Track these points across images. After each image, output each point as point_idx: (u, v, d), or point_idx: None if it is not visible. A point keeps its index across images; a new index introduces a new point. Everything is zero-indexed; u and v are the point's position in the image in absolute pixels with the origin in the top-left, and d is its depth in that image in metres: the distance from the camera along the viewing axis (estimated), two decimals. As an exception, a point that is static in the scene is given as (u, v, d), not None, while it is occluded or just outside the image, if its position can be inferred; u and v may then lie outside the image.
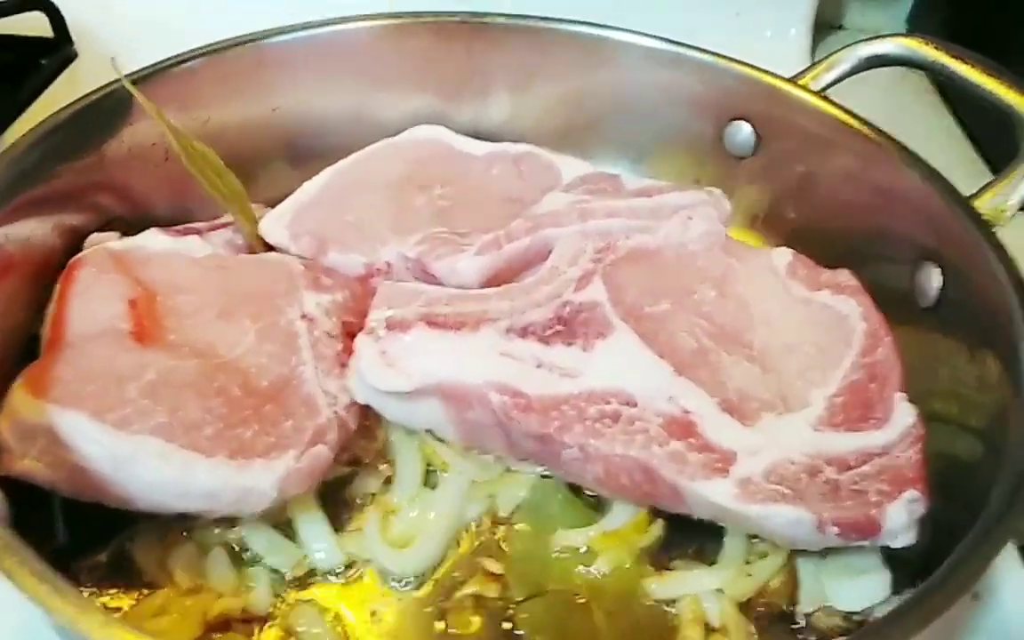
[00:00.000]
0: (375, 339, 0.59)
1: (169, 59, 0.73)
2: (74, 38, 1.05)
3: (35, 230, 0.63)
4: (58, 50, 1.04)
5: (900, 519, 0.51)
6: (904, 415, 0.57)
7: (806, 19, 1.14)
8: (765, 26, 1.12)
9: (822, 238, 0.74)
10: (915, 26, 1.22)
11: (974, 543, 0.45)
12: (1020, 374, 0.53)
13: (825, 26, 1.20)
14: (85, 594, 0.42)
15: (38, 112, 0.92)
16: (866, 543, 0.52)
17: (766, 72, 0.78)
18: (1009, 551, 0.61)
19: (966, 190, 0.66)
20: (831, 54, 0.78)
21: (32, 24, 1.04)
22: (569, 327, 0.62)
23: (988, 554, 0.44)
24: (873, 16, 1.25)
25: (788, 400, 0.60)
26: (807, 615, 0.55)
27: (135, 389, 0.54)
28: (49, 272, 0.63)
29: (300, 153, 0.82)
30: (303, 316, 0.62)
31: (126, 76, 0.68)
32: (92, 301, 0.59)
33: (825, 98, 0.75)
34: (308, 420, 0.56)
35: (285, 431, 0.55)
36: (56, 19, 1.04)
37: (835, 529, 0.51)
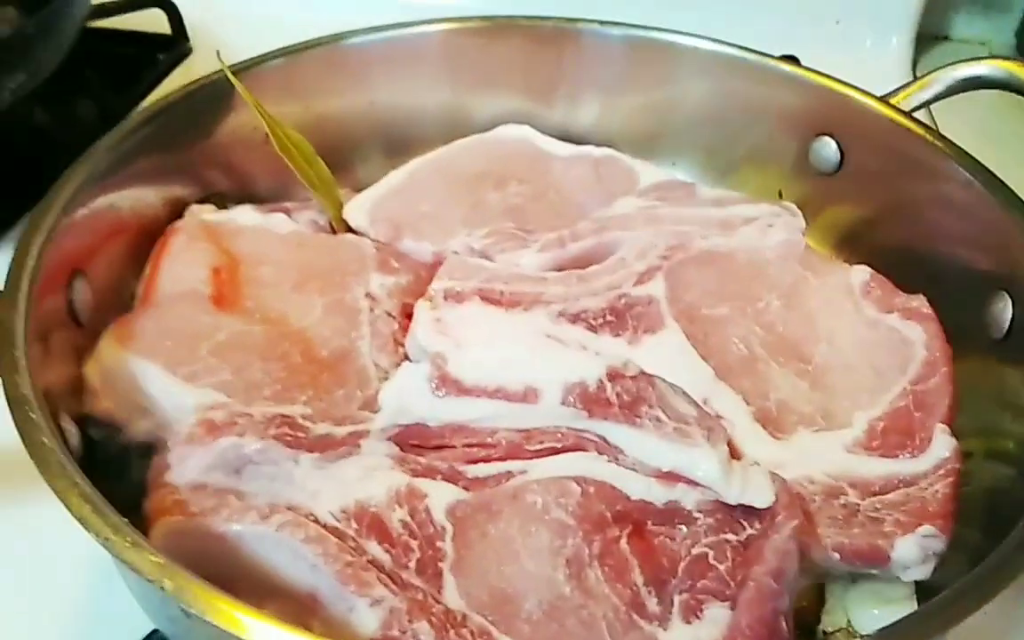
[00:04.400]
0: (432, 306, 0.62)
1: (273, 52, 0.78)
2: (190, 35, 1.12)
3: (142, 198, 0.70)
4: (175, 46, 1.10)
5: (911, 553, 0.51)
6: (941, 448, 0.55)
7: (908, 29, 1.10)
8: (865, 35, 1.09)
9: (901, 260, 0.72)
10: (1024, 37, 1.15)
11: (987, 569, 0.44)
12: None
13: (929, 36, 1.15)
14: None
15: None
16: (876, 572, 0.52)
17: (855, 88, 0.76)
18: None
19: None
20: (927, 74, 0.76)
21: (151, 22, 1.11)
22: (621, 319, 0.63)
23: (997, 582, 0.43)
24: (980, 26, 1.19)
25: (830, 418, 0.59)
26: (827, 633, 0.54)
27: (206, 348, 0.59)
28: (152, 237, 0.69)
29: (394, 145, 0.86)
30: (367, 295, 0.66)
31: (234, 65, 0.74)
32: (180, 265, 0.65)
33: (913, 119, 0.73)
34: (358, 390, 0.60)
35: (336, 399, 0.59)
36: (174, 17, 1.10)
37: (836, 555, 0.51)
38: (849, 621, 0.54)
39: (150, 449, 0.58)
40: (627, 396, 0.53)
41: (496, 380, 0.54)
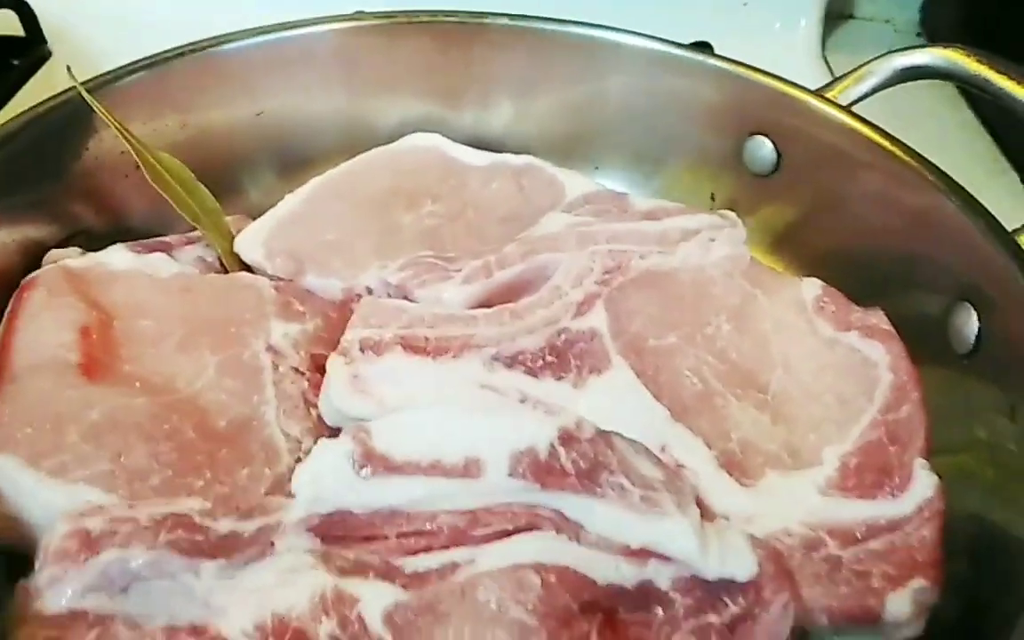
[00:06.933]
0: (347, 361, 0.54)
1: (142, 60, 0.68)
2: (47, 37, 0.99)
3: (-9, 244, 0.59)
4: (30, 50, 0.97)
5: (903, 609, 0.46)
6: (923, 486, 0.51)
7: (816, 9, 1.06)
8: (774, 18, 1.05)
9: (850, 266, 0.67)
10: (929, 14, 1.13)
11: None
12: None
13: (835, 16, 1.12)
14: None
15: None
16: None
17: (790, 83, 0.71)
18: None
19: (1003, 217, 0.59)
20: (862, 65, 0.71)
21: (3, 23, 0.97)
22: (562, 359, 0.57)
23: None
24: (885, 4, 1.17)
25: (797, 456, 0.54)
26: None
27: (76, 432, 0.49)
28: (6, 291, 0.59)
29: (289, 161, 0.77)
30: (268, 347, 0.56)
31: (92, 80, 0.63)
32: (40, 328, 0.55)
33: (853, 114, 0.68)
34: (266, 467, 0.51)
35: (240, 481, 0.50)
36: (27, 17, 0.97)
37: (824, 618, 0.46)
38: (836, 685, 0.49)
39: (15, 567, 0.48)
40: (584, 462, 0.46)
41: (431, 453, 0.46)
